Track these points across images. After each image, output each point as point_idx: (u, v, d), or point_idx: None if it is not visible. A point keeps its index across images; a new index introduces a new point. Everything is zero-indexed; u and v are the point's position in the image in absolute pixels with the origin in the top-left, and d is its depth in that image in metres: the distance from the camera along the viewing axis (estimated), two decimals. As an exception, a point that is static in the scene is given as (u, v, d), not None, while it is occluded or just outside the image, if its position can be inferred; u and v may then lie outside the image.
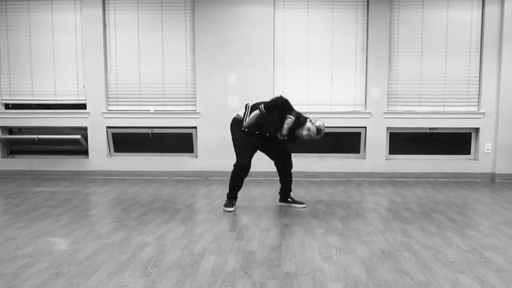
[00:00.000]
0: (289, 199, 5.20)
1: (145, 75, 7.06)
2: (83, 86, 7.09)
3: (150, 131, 7.14)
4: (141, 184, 6.54)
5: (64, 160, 7.19)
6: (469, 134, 7.05)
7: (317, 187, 6.27)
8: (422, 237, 3.95)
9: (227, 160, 6.93)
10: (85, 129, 7.12)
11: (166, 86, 7.05)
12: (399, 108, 6.96)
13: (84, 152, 7.24)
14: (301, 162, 6.82)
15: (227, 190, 5.06)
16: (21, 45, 7.12)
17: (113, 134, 7.15)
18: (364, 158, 7.02)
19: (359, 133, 7.04)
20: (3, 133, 7.25)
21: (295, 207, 5.13)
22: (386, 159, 7.01)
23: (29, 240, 3.84)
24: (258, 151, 5.02)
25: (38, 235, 3.99)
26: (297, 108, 6.76)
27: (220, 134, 6.92)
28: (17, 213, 4.77)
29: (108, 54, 7.06)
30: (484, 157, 6.93)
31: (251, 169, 4.94)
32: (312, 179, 6.92)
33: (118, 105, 7.12)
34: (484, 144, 6.90)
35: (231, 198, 5.06)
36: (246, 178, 4.89)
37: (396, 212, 4.86)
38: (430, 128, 7.00)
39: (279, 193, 5.24)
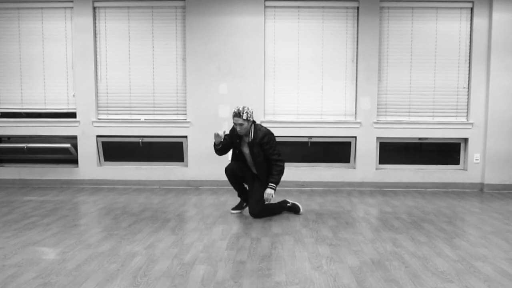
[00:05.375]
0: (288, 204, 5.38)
1: (135, 84, 7.05)
2: (73, 95, 7.06)
3: (140, 140, 7.12)
4: (131, 193, 6.51)
5: (54, 169, 7.14)
6: (458, 145, 7.10)
7: (307, 197, 6.28)
8: (412, 246, 3.97)
9: (218, 169, 6.94)
10: (75, 138, 7.09)
11: (157, 95, 7.05)
12: (389, 118, 7.00)
13: (73, 161, 7.20)
14: (291, 172, 6.83)
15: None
16: (11, 53, 7.09)
17: (103, 143, 7.12)
18: (354, 168, 7.04)
19: (349, 143, 7.07)
20: (-9, 142, 7.21)
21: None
22: (376, 169, 7.03)
23: (17, 249, 3.81)
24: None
25: (26, 244, 3.96)
26: (287, 117, 6.84)
27: (210, 143, 6.91)
28: (5, 223, 4.72)
29: (98, 63, 7.05)
30: (473, 167, 6.98)
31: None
32: (303, 188, 6.92)
33: (108, 114, 7.10)
34: (473, 155, 6.96)
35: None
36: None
37: (386, 222, 4.87)
38: (419, 138, 7.05)
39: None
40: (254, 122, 5.07)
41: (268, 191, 4.96)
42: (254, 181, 5.16)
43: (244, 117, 4.91)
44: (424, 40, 6.91)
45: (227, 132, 5.04)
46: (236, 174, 5.19)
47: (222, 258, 3.60)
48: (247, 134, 5.04)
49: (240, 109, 4.92)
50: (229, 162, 5.36)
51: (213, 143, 5.16)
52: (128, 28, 7.00)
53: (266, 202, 5.01)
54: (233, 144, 5.20)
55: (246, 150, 5.15)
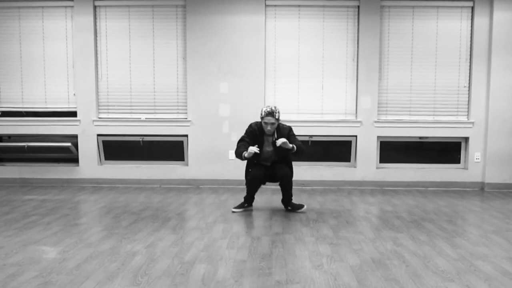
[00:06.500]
0: (288, 207, 5.38)
1: (136, 83, 7.05)
2: (74, 94, 7.06)
3: (141, 139, 7.12)
4: (132, 192, 6.51)
5: (54, 168, 7.14)
6: (459, 144, 7.10)
7: (308, 196, 6.28)
8: (412, 245, 3.97)
9: (218, 168, 6.94)
10: (75, 137, 7.09)
11: (157, 94, 7.05)
12: (389, 117, 7.00)
13: (74, 160, 7.20)
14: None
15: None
16: (11, 52, 7.08)
17: (103, 142, 7.12)
18: (355, 167, 7.03)
19: (350, 142, 7.06)
20: (-8, 141, 7.21)
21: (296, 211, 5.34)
22: (377, 168, 7.03)
23: (18, 248, 3.81)
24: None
25: (27, 243, 3.96)
26: (288, 116, 6.84)
27: (211, 142, 6.91)
28: (6, 221, 4.73)
29: (99, 62, 7.05)
30: (473, 166, 6.98)
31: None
32: (303, 187, 6.92)
33: (108, 113, 7.10)
34: (474, 154, 6.95)
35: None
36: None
37: (387, 221, 4.87)
38: (420, 137, 7.04)
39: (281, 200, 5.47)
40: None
41: (283, 139, 4.96)
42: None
43: (276, 117, 5.04)
44: (425, 39, 6.91)
45: (252, 148, 4.97)
46: (260, 183, 5.26)
47: (222, 257, 3.60)
48: (272, 133, 5.15)
49: (273, 108, 5.03)
50: (249, 169, 5.32)
51: (241, 154, 5.01)
52: (128, 27, 7.00)
53: (277, 144, 4.95)
54: (257, 144, 5.13)
55: (268, 148, 5.22)
